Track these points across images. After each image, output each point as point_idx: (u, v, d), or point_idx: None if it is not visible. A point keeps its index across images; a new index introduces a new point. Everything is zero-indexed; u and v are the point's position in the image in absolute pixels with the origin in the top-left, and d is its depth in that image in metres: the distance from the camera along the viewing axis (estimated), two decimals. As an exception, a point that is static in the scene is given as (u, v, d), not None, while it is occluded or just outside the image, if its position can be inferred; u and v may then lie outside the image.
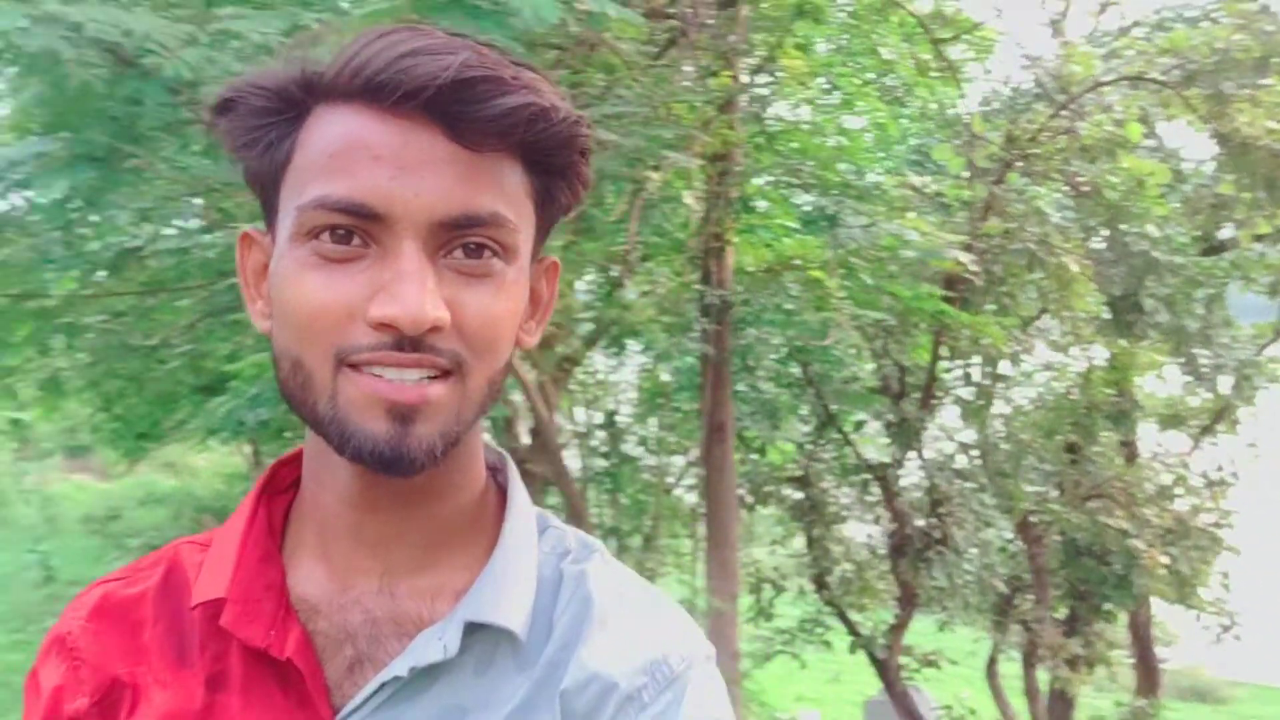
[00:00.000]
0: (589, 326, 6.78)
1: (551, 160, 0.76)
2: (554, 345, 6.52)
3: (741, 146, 4.78)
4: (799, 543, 7.16)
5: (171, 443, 17.74)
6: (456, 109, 0.70)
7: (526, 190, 0.76)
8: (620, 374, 7.77)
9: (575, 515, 5.48)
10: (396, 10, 2.11)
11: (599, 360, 7.40)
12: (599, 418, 7.64)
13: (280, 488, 0.89)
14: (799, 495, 6.81)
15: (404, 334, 0.70)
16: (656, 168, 3.48)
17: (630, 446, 7.56)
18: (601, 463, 7.30)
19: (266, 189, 0.78)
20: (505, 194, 0.73)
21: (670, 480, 7.54)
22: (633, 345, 6.92)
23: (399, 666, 0.76)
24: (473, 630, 0.78)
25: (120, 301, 6.00)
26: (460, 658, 0.78)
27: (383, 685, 0.77)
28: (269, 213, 0.79)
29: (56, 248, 4.45)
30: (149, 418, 12.11)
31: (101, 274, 5.32)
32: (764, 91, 5.57)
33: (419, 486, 0.79)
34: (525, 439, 8.01)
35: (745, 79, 4.61)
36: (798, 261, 4.92)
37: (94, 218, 5.20)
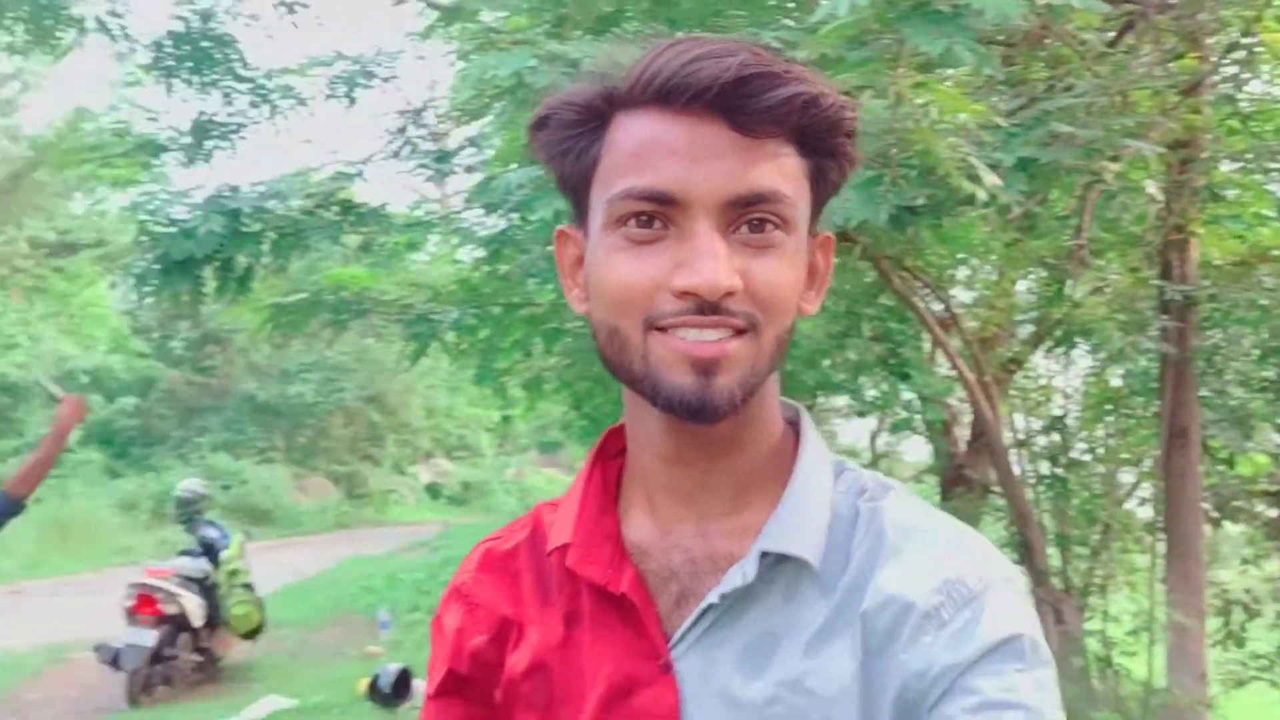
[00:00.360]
0: (1030, 328, 6.58)
1: (822, 142, 0.85)
2: (996, 346, 6.39)
3: (1209, 131, 4.46)
4: (1275, 565, 6.49)
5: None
6: (737, 103, 0.80)
7: (801, 170, 0.85)
8: (1063, 378, 7.43)
9: (1021, 519, 5.34)
10: (861, 23, 2.24)
11: (1041, 363, 7.14)
12: (1038, 424, 7.35)
13: (611, 453, 1.01)
14: (1274, 512, 6.18)
15: (703, 300, 0.80)
16: (1115, 158, 3.37)
17: (1077, 453, 7.20)
18: (1046, 468, 7.02)
19: (578, 190, 0.90)
20: (783, 174, 0.83)
21: (1122, 489, 7.11)
22: (1079, 347, 6.61)
23: (713, 596, 0.87)
24: (778, 562, 0.87)
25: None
26: (769, 587, 0.88)
27: (703, 614, 0.88)
28: (580, 211, 0.91)
29: (541, 262, 4.99)
30: (614, 416, 13.21)
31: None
32: (1236, 70, 5.15)
33: (722, 438, 0.89)
34: (962, 445, 7.90)
35: (1214, 59, 4.30)
36: (1276, 253, 4.52)
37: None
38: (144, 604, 7.49)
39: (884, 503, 0.90)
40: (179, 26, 4.73)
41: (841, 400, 13.05)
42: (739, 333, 0.82)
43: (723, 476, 0.91)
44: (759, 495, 0.91)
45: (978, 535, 0.91)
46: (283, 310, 5.35)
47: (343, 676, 7.88)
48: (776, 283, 0.83)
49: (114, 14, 4.69)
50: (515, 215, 4.50)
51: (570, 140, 0.87)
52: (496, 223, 4.82)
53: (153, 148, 4.31)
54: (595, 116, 0.86)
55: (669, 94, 0.81)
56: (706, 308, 0.81)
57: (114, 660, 7.47)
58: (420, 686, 6.14)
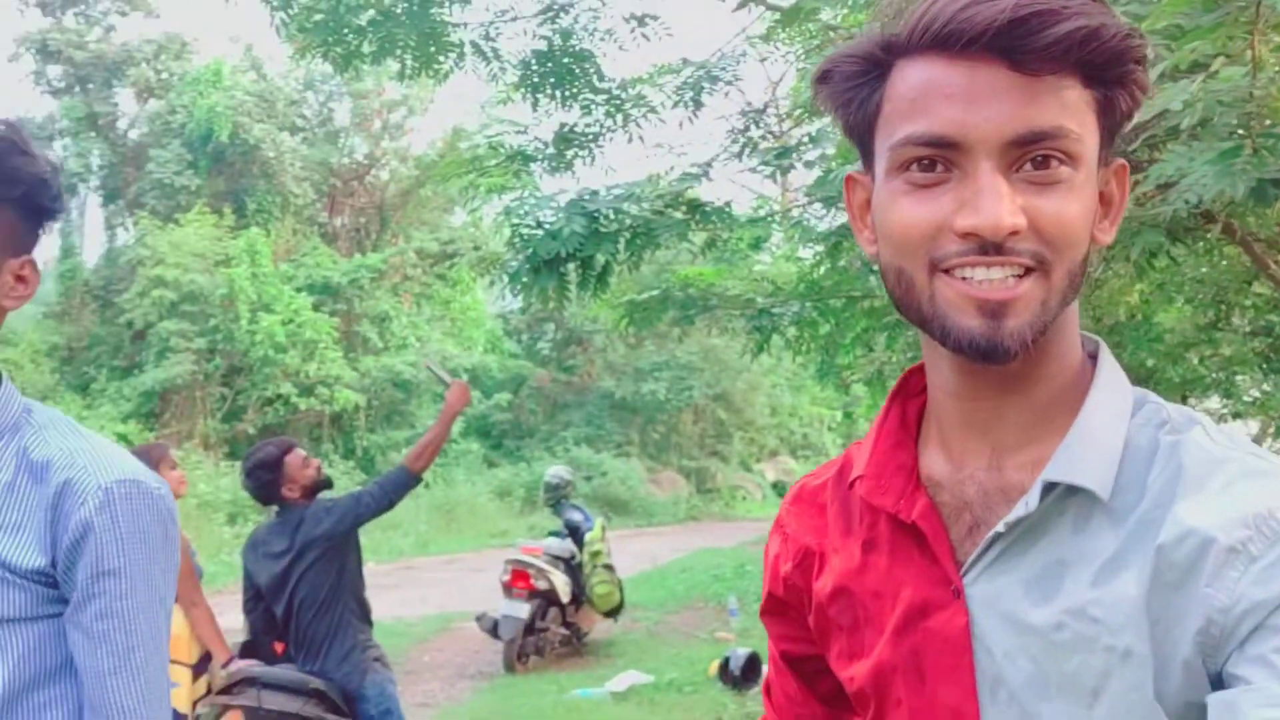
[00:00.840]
0: None
1: (1107, 73, 0.83)
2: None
3: None
4: None
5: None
6: (1015, 43, 0.80)
7: (1087, 102, 0.83)
8: None
9: None
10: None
11: None
12: None
13: (913, 391, 1.03)
14: None
15: (986, 240, 0.81)
16: None
17: None
18: None
19: (863, 138, 0.92)
20: (1066, 108, 0.82)
21: None
22: None
23: (1000, 525, 0.88)
24: (1068, 494, 0.87)
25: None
26: (1060, 518, 0.88)
27: (992, 543, 0.89)
28: (866, 157, 0.93)
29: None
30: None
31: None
32: None
33: (1013, 374, 0.89)
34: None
35: None
36: None
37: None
38: (518, 579, 8.16)
39: (1187, 435, 0.88)
40: (542, 46, 5.16)
41: (1215, 402, 12.01)
42: (1027, 271, 0.83)
43: (1015, 410, 0.91)
44: (1053, 427, 0.90)
45: None
46: (637, 306, 5.70)
47: (695, 657, 8.21)
48: (1064, 218, 0.83)
49: (488, 38, 5.18)
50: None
51: (852, 90, 0.90)
52: (836, 217, 4.88)
53: (521, 158, 4.74)
54: (876, 66, 0.88)
55: (946, 39, 0.82)
56: (990, 248, 0.81)
57: (493, 629, 8.21)
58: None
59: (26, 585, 1.29)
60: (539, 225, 4.12)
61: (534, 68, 5.23)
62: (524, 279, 4.17)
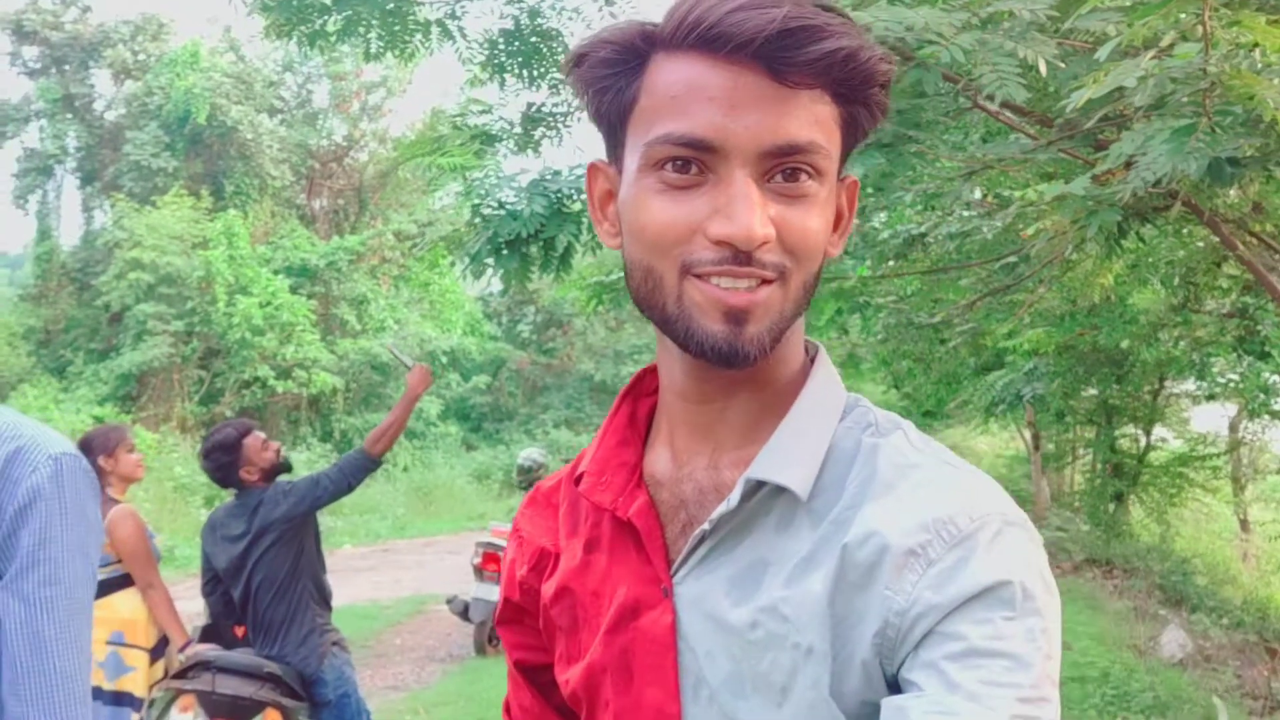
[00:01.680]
0: None
1: (857, 93, 0.84)
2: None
3: None
4: None
5: (955, 424, 18.60)
6: (780, 55, 0.80)
7: (835, 119, 0.85)
8: None
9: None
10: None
11: None
12: None
13: (645, 391, 1.04)
14: None
15: (739, 249, 0.81)
16: None
17: None
18: None
19: (614, 127, 0.90)
20: (818, 124, 0.83)
21: None
22: None
23: (706, 523, 0.88)
24: (774, 493, 0.88)
25: (906, 284, 6.53)
26: (764, 518, 0.88)
27: (700, 541, 0.90)
28: (614, 147, 0.91)
29: (853, 238, 4.95)
30: (934, 397, 12.90)
31: (891, 262, 5.82)
32: None
33: (743, 377, 0.90)
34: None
35: None
36: None
37: (882, 216, 5.76)
38: (489, 561, 8.13)
39: (886, 440, 0.89)
40: (509, 25, 5.09)
41: (1191, 384, 12.07)
42: (767, 281, 0.83)
43: (738, 412, 0.92)
44: (768, 427, 0.91)
45: (983, 476, 0.88)
46: (605, 288, 5.66)
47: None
48: (808, 231, 0.84)
49: (454, 16, 5.11)
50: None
51: (608, 78, 0.88)
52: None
53: (485, 138, 4.68)
54: (634, 56, 0.87)
55: (712, 41, 0.81)
56: (742, 257, 0.82)
57: (464, 612, 8.18)
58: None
59: None
60: (500, 206, 4.07)
61: (501, 47, 5.17)
62: (486, 260, 4.13)
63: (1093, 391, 11.98)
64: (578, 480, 1.00)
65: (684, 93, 0.83)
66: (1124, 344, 8.52)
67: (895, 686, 0.81)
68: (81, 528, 1.36)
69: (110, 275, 19.09)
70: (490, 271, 4.13)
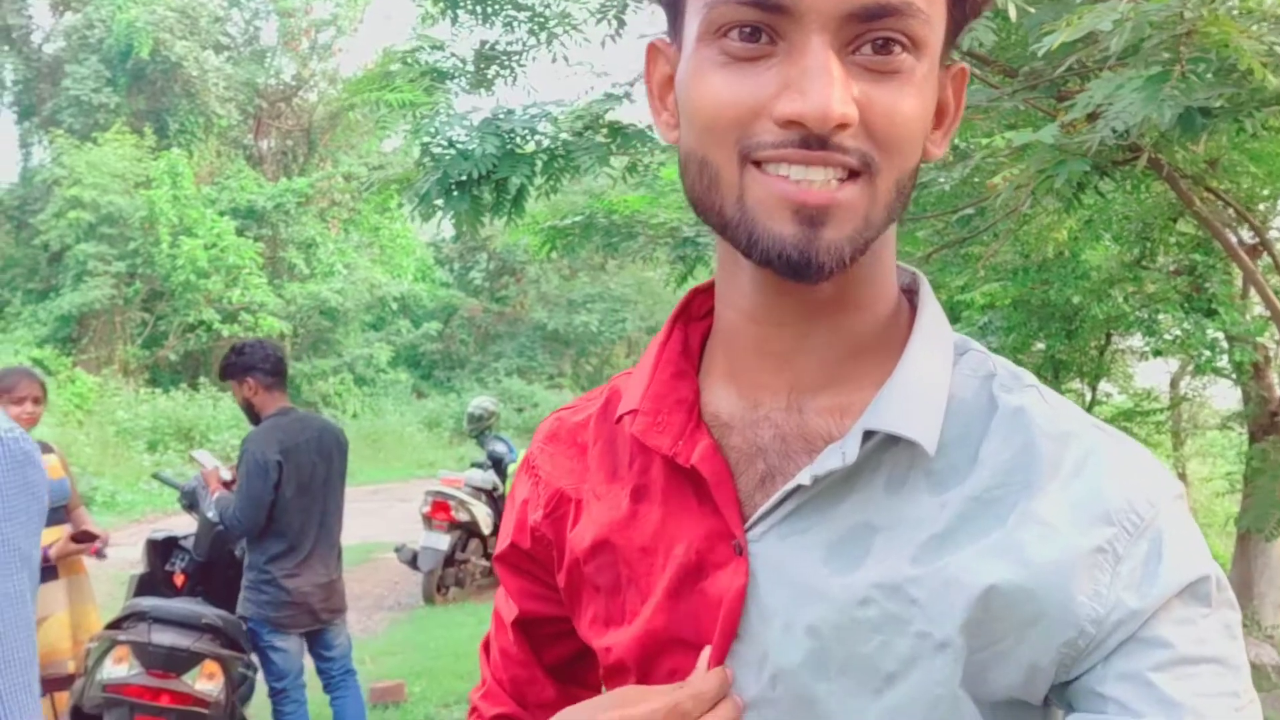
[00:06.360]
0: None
1: None
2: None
3: None
4: None
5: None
6: None
7: None
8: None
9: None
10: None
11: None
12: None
13: (697, 315, 0.89)
14: None
15: (811, 131, 0.66)
16: None
17: None
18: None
19: None
20: None
21: None
22: None
23: (803, 476, 0.75)
24: (884, 445, 0.75)
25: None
26: (871, 475, 0.75)
27: (789, 496, 0.76)
28: (675, 19, 0.77)
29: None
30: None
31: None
32: None
33: (824, 298, 0.76)
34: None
35: None
36: None
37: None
38: (438, 510, 8.05)
39: (1026, 401, 0.77)
40: (462, -42, 4.92)
41: (1137, 340, 12.20)
42: (852, 175, 0.68)
43: (822, 342, 0.78)
44: (864, 369, 0.78)
45: (1130, 440, 0.77)
46: (559, 233, 5.53)
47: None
48: (900, 115, 0.69)
49: (403, -51, 4.93)
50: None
51: None
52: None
53: (435, 75, 4.53)
54: None
55: None
56: (814, 141, 0.66)
57: (412, 561, 8.11)
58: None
59: None
60: (451, 145, 3.94)
61: (453, -19, 4.99)
62: (436, 202, 3.99)
63: (1041, 346, 12.08)
64: (620, 419, 0.86)
65: None
66: (1075, 299, 8.56)
67: (1066, 692, 0.73)
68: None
69: (49, 214, 18.55)
70: (440, 213, 4.01)
